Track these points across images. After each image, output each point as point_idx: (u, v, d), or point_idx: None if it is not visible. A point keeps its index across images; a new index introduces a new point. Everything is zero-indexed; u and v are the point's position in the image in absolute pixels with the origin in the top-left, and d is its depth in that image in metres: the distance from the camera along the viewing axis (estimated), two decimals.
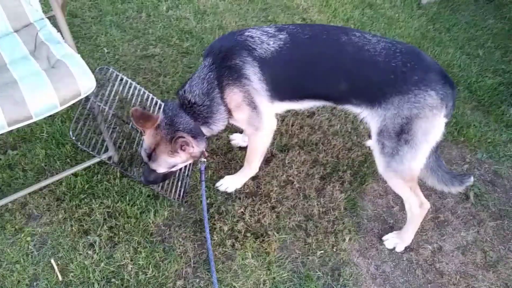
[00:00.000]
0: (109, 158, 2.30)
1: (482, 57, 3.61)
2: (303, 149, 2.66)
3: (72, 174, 2.31)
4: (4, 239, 2.09)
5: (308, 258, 2.16)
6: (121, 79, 2.39)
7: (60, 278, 1.98)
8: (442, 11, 4.18)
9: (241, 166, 2.41)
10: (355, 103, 2.01)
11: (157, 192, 2.28)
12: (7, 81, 1.84)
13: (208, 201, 2.30)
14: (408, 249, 2.25)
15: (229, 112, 2.06)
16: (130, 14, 3.58)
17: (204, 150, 2.16)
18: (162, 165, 2.03)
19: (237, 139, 2.65)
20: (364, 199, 2.48)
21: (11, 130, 1.80)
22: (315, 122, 2.84)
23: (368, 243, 2.27)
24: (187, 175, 2.43)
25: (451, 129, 2.89)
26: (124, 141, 2.48)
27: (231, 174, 2.44)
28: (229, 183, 2.39)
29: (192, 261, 2.09)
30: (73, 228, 2.14)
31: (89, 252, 2.06)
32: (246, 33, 1.99)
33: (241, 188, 2.41)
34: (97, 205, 2.22)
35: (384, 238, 2.28)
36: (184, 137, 1.91)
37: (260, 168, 2.42)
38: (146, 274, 2.01)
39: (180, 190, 2.32)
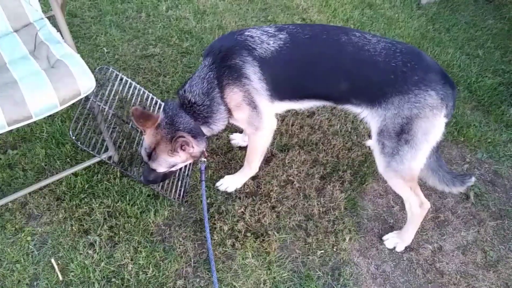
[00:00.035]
0: (109, 157, 2.30)
1: (482, 57, 3.61)
2: (303, 149, 2.66)
3: (72, 173, 2.31)
4: (5, 238, 2.09)
5: (308, 258, 2.16)
6: (121, 79, 2.39)
7: (60, 277, 1.98)
8: (442, 11, 4.18)
9: (241, 166, 2.41)
10: (355, 103, 2.01)
11: (157, 191, 2.28)
12: (7, 81, 1.84)
13: (208, 201, 2.30)
14: (408, 248, 2.25)
15: (229, 112, 2.05)
16: (129, 14, 3.58)
17: (204, 150, 2.16)
18: (162, 164, 2.03)
19: (237, 139, 2.65)
20: (364, 198, 2.48)
21: (11, 130, 1.80)
22: (315, 122, 2.84)
23: (368, 243, 2.28)
24: (187, 174, 2.43)
25: (451, 129, 2.89)
26: (124, 141, 2.48)
27: (231, 173, 2.44)
28: (229, 183, 2.39)
29: (192, 260, 2.09)
30: (73, 227, 2.14)
31: (90, 251, 2.06)
32: (246, 33, 1.99)
33: (241, 187, 2.41)
34: (97, 205, 2.22)
35: (384, 237, 2.28)
36: (184, 137, 1.91)
37: (260, 168, 2.42)
38: (147, 274, 2.01)
39: (180, 190, 2.32)
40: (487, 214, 2.46)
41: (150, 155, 2.01)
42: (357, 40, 1.93)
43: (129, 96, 2.47)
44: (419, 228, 2.23)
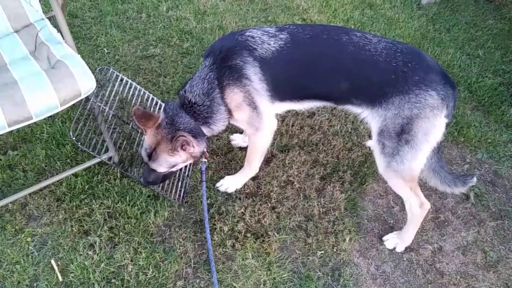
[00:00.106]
0: (109, 158, 2.30)
1: (482, 57, 3.61)
2: (303, 149, 2.66)
3: (73, 174, 2.31)
4: (5, 239, 2.09)
5: (308, 259, 2.16)
6: (121, 80, 2.39)
7: (60, 278, 1.98)
8: (442, 12, 4.18)
9: (241, 167, 2.41)
10: (355, 103, 2.01)
11: (157, 192, 2.28)
12: (7, 82, 1.84)
13: (208, 202, 2.30)
14: (408, 249, 2.25)
15: (230, 112, 2.05)
16: (130, 14, 3.58)
17: (205, 150, 2.16)
18: (162, 164, 2.03)
19: (237, 140, 2.65)
20: (364, 199, 2.47)
21: (11, 131, 1.80)
22: (315, 122, 2.84)
23: (368, 243, 2.27)
24: (187, 175, 2.43)
25: (451, 129, 2.89)
26: (124, 142, 2.48)
27: (231, 174, 2.44)
28: (229, 184, 2.38)
29: (192, 261, 2.09)
30: (73, 228, 2.14)
31: (89, 252, 2.06)
32: (247, 33, 1.99)
33: (241, 188, 2.41)
34: (97, 206, 2.22)
35: (384, 238, 2.28)
36: (185, 136, 1.91)
37: (260, 169, 2.42)
38: (146, 275, 2.01)
39: (180, 191, 2.32)
40: (487, 215, 2.46)
41: (150, 155, 2.01)
42: (357, 40, 1.92)
43: (129, 97, 2.47)
44: (419, 229, 2.22)
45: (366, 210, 2.42)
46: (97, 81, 1.96)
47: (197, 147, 2.04)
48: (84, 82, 1.88)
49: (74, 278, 1.98)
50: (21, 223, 2.16)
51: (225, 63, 1.95)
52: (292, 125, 2.79)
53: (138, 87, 2.49)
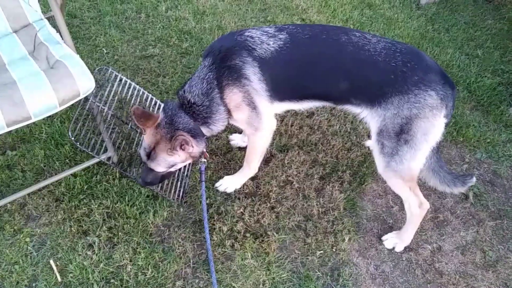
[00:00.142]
0: (108, 158, 2.29)
1: (481, 57, 3.61)
2: (303, 149, 2.66)
3: (71, 174, 2.31)
4: (3, 240, 2.09)
5: (307, 258, 2.16)
6: (120, 80, 2.39)
7: (59, 279, 1.98)
8: (441, 12, 4.18)
9: (240, 167, 2.41)
10: (355, 103, 2.01)
11: (157, 192, 2.28)
12: (6, 82, 1.84)
13: (207, 202, 2.30)
14: (407, 249, 2.25)
15: (229, 113, 2.05)
16: (129, 14, 3.58)
17: (205, 150, 2.16)
18: (161, 164, 2.02)
19: (236, 140, 2.65)
20: (363, 199, 2.48)
21: (10, 131, 1.80)
22: (314, 122, 2.84)
23: (367, 243, 2.27)
24: (187, 175, 2.43)
25: (451, 129, 2.89)
26: (123, 142, 2.48)
27: (231, 174, 2.44)
28: (229, 183, 2.38)
29: (191, 261, 2.09)
30: (72, 228, 2.14)
31: (88, 252, 2.06)
32: (246, 33, 1.99)
33: (240, 188, 2.41)
34: (96, 206, 2.22)
35: (383, 238, 2.28)
36: (184, 136, 1.91)
37: (259, 168, 2.42)
38: (146, 275, 2.01)
39: (179, 191, 2.32)
40: (486, 214, 2.46)
41: (149, 155, 2.01)
42: (357, 40, 1.92)
43: (128, 97, 2.47)
44: (418, 228, 2.22)
45: (365, 210, 2.42)
46: (96, 81, 1.96)
47: (196, 147, 2.04)
48: (83, 82, 1.88)
49: (73, 278, 1.98)
50: (19, 223, 2.16)
51: (224, 63, 1.95)
52: (291, 125, 2.79)
53: (137, 87, 2.49)
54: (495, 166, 2.74)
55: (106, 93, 2.27)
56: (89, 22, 3.44)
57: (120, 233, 2.13)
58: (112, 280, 1.98)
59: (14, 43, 2.06)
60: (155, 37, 3.37)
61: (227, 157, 2.59)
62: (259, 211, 2.30)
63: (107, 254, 2.07)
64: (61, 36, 2.04)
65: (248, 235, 2.20)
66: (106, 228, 2.15)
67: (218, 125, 2.08)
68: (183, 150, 2.00)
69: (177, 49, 3.29)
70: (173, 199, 2.28)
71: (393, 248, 2.25)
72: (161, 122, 1.99)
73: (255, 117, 2.05)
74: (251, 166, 2.34)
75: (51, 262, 2.03)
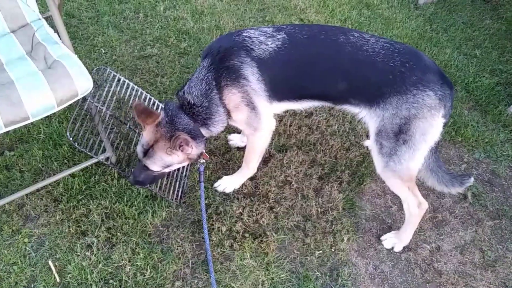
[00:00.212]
0: (107, 159, 2.29)
1: (479, 57, 3.62)
2: (301, 149, 2.66)
3: (70, 175, 2.30)
4: (1, 240, 2.08)
5: (306, 258, 2.16)
6: (119, 80, 2.38)
7: (57, 279, 1.97)
8: (439, 12, 4.19)
9: (239, 167, 2.41)
10: (353, 103, 2.01)
11: (155, 192, 2.28)
12: (3, 82, 1.84)
13: (206, 202, 2.30)
14: (406, 248, 2.26)
15: (228, 114, 2.05)
16: (127, 14, 3.57)
17: (203, 151, 2.15)
18: (157, 162, 2.00)
19: (235, 140, 2.65)
20: (362, 199, 2.48)
21: (8, 131, 1.80)
22: (313, 122, 2.84)
23: (366, 243, 2.28)
24: (185, 175, 2.43)
25: (449, 129, 2.90)
26: (122, 142, 2.47)
27: (229, 174, 2.44)
28: (227, 184, 2.38)
29: (190, 262, 2.09)
30: (71, 229, 2.13)
31: (87, 253, 2.06)
32: (244, 34, 1.99)
33: (239, 188, 2.41)
34: (94, 206, 2.22)
35: (382, 238, 2.28)
36: (185, 136, 1.91)
37: (258, 169, 2.41)
38: (144, 275, 2.00)
39: (178, 191, 2.32)
40: (485, 214, 2.46)
41: (146, 152, 2.00)
42: (355, 40, 1.92)
43: (126, 97, 2.46)
44: (417, 228, 2.23)
45: (364, 210, 2.42)
46: (94, 81, 1.95)
47: (195, 149, 2.03)
48: (81, 82, 1.88)
49: (71, 279, 1.97)
50: (18, 223, 2.15)
51: (223, 64, 1.95)
52: (290, 125, 2.79)
53: (136, 87, 2.49)
54: (493, 165, 2.75)
55: (104, 93, 2.26)
56: (87, 22, 3.43)
57: (118, 234, 2.13)
58: (111, 281, 1.98)
59: (12, 43, 2.05)
60: (153, 37, 3.37)
61: (226, 157, 2.59)
62: (258, 211, 2.30)
63: (106, 255, 2.07)
64: (59, 36, 2.03)
65: (247, 235, 2.20)
66: (104, 229, 2.14)
67: (217, 127, 2.08)
68: (182, 151, 1.99)
69: (175, 49, 3.28)
70: (172, 200, 2.28)
71: (392, 248, 2.25)
72: (162, 121, 1.99)
73: (254, 117, 2.05)
74: (250, 166, 2.33)
75: (50, 262, 2.02)
